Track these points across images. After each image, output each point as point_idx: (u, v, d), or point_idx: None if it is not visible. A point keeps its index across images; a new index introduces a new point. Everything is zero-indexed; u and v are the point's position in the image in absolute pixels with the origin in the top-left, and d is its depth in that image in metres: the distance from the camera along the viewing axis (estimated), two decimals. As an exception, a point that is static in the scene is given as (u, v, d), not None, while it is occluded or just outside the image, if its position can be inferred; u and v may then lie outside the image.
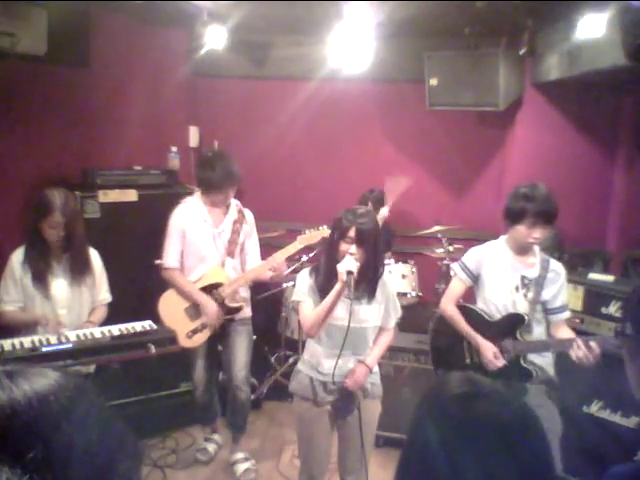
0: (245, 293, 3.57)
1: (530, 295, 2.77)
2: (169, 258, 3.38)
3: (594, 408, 3.28)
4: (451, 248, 4.49)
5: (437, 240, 4.57)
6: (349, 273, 2.39)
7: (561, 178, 4.16)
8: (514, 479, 0.90)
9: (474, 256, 2.92)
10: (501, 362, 2.74)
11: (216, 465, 3.70)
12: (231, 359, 3.49)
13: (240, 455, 3.65)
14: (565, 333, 2.78)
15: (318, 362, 2.65)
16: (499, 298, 2.82)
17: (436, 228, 4.55)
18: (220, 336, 3.50)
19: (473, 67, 4.29)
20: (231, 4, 3.78)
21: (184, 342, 3.31)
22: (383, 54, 4.44)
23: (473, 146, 5.04)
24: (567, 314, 2.84)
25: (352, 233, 2.46)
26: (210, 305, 3.33)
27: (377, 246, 2.55)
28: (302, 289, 2.63)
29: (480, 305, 2.91)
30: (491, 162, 5.08)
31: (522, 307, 2.78)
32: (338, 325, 2.56)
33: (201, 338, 3.38)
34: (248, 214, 3.56)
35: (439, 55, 4.46)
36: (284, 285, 4.47)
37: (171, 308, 3.36)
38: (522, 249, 2.80)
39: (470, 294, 3.02)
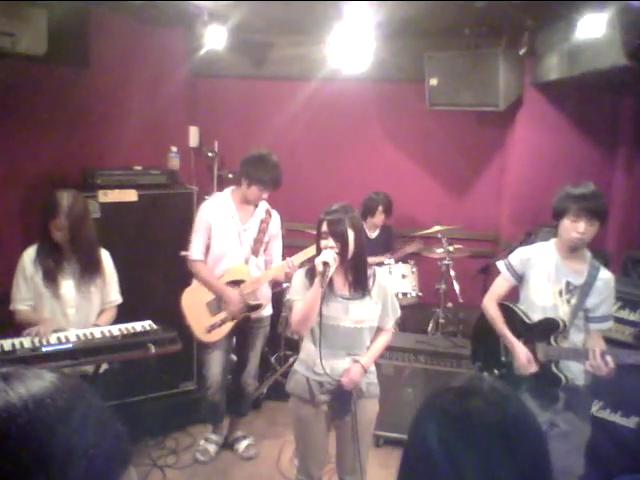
0: (267, 291, 3.63)
1: (573, 301, 2.72)
2: (195, 250, 3.43)
3: (594, 408, 3.27)
4: (451, 248, 4.49)
5: (437, 240, 4.56)
6: (324, 264, 2.46)
7: (561, 178, 4.12)
8: (511, 478, 0.90)
9: (521, 255, 2.87)
10: (533, 368, 2.71)
11: (216, 465, 3.70)
12: (245, 357, 3.68)
13: (239, 433, 3.88)
14: (596, 344, 2.69)
15: (314, 362, 2.65)
16: (541, 300, 2.77)
17: (436, 228, 4.55)
18: (237, 333, 3.61)
19: (473, 67, 4.28)
20: (231, 4, 3.77)
21: (202, 336, 3.43)
22: (383, 54, 4.43)
23: (473, 146, 5.04)
24: (607, 325, 2.77)
25: (324, 227, 2.55)
26: (233, 296, 3.39)
27: (357, 240, 2.56)
28: (297, 288, 2.67)
29: (522, 305, 2.88)
30: (491, 162, 5.08)
31: (563, 312, 2.73)
32: (332, 325, 2.59)
33: (219, 334, 3.44)
34: (275, 215, 3.59)
35: (439, 55, 4.46)
36: (284, 285, 4.46)
37: (193, 301, 3.43)
38: (571, 253, 2.72)
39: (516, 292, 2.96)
